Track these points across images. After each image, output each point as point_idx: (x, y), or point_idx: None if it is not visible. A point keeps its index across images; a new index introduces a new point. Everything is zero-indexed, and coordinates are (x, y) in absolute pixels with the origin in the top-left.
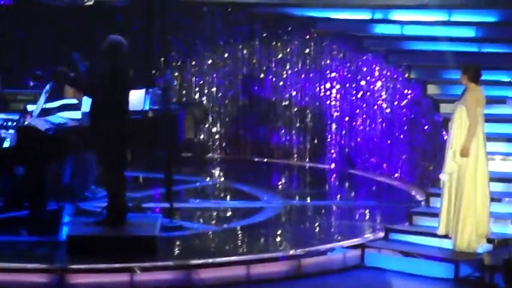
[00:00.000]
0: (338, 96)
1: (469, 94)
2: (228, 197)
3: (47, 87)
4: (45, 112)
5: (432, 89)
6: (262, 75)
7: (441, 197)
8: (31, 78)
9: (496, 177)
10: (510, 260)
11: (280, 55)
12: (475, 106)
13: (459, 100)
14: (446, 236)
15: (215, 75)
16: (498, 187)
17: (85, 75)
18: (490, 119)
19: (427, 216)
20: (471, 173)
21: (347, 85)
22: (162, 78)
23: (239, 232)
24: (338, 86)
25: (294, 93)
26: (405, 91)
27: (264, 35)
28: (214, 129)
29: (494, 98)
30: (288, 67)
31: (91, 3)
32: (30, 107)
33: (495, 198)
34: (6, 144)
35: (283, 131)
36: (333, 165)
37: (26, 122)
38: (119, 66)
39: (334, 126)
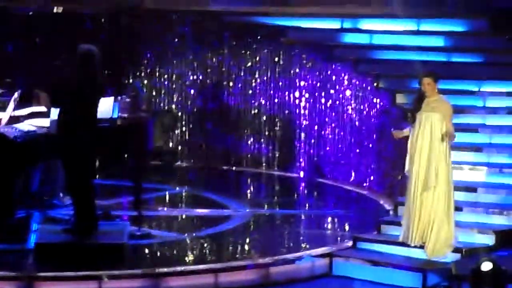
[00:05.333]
0: (307, 105)
1: (445, 103)
2: (197, 205)
3: (16, 94)
4: (13, 120)
5: (401, 98)
6: (231, 83)
7: (410, 208)
8: None
9: (462, 186)
10: (477, 270)
11: (249, 64)
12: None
13: (424, 110)
14: (415, 246)
15: (184, 83)
16: (466, 196)
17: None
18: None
19: (396, 225)
20: (445, 183)
21: (316, 94)
22: (131, 86)
23: (208, 240)
24: (307, 95)
25: (263, 102)
26: (374, 100)
27: (234, 43)
28: (183, 137)
29: (463, 108)
30: (257, 75)
31: (59, 10)
32: None
33: (460, 207)
34: None
35: (252, 139)
36: (302, 174)
37: None
38: (90, 76)
39: (303, 135)
